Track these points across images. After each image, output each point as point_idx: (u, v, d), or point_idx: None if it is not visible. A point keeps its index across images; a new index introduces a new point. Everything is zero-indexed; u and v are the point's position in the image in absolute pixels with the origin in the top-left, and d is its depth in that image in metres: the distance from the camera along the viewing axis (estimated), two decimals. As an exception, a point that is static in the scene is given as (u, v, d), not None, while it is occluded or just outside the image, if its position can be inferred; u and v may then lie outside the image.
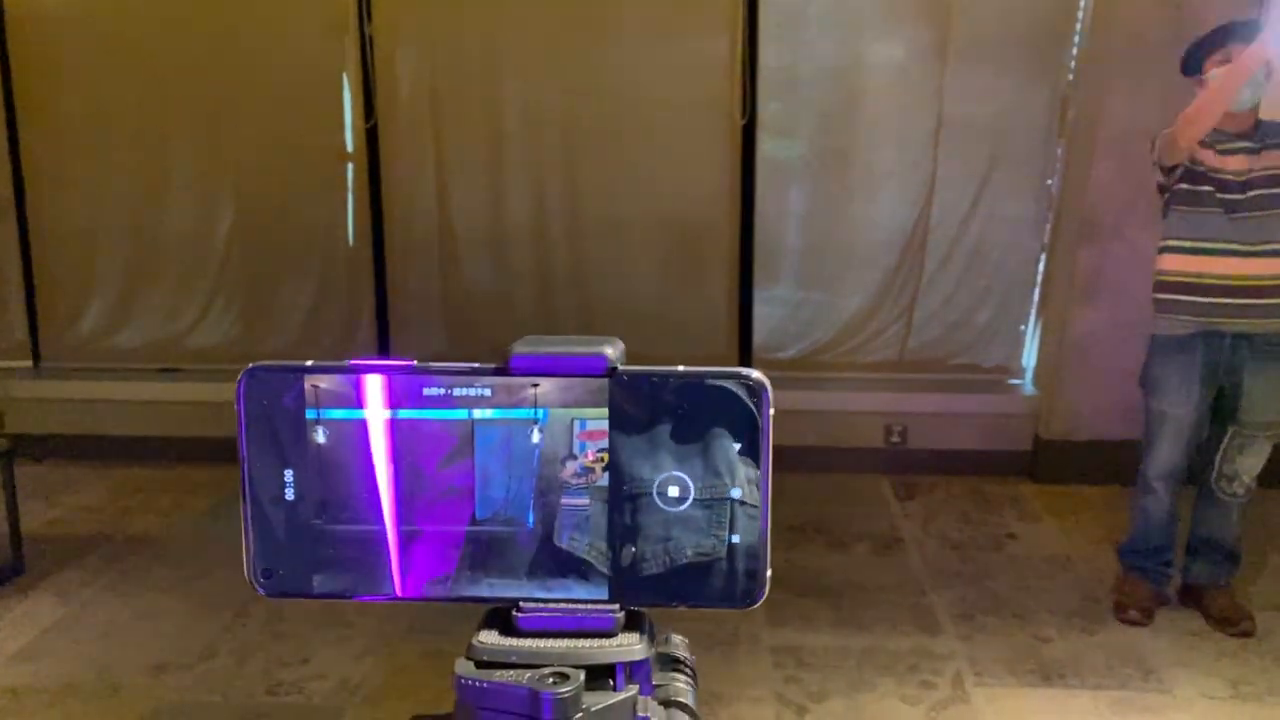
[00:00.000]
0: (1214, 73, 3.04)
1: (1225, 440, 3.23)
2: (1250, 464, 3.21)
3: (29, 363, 5.07)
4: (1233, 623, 3.22)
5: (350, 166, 4.83)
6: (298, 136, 4.80)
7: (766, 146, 4.64)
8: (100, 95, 4.79)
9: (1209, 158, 3.06)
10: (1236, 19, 3.12)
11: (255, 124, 4.78)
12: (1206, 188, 3.06)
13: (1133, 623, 3.27)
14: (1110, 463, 4.09)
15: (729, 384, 0.68)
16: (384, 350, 4.93)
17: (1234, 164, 3.05)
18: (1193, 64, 3.11)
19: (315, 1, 4.70)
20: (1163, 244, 3.19)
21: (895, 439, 4.63)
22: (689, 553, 0.69)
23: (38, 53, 4.80)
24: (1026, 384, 4.71)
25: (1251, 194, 3.03)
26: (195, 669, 3.05)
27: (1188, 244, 3.10)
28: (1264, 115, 3.12)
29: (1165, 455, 3.23)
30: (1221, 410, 3.22)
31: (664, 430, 0.69)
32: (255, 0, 4.75)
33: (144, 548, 3.89)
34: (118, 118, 4.81)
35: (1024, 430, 4.57)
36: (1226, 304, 3.07)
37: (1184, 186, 3.10)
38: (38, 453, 4.55)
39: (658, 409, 0.68)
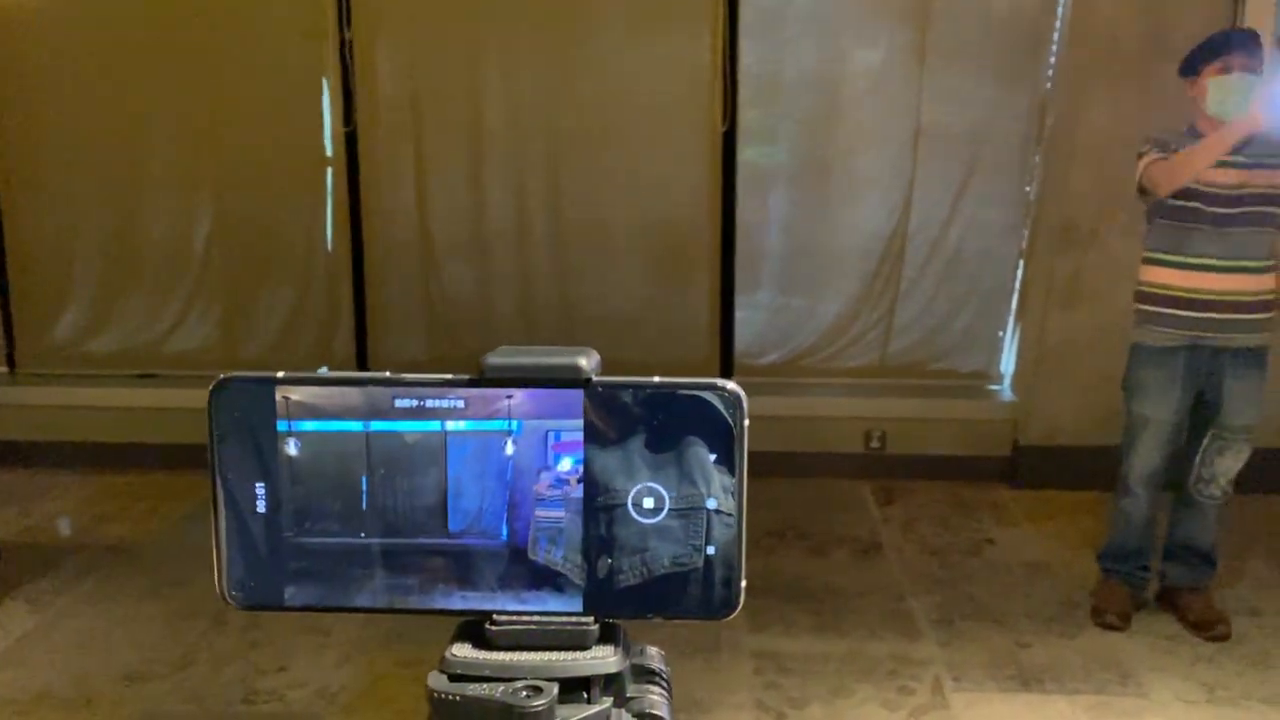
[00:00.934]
0: (1197, 142, 3.01)
1: (1204, 443, 3.24)
2: (1228, 467, 3.23)
3: (4, 368, 5.01)
4: (1209, 627, 3.23)
5: (329, 171, 4.80)
6: (276, 141, 4.77)
7: (747, 153, 4.65)
8: (77, 99, 4.75)
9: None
10: (1236, 28, 3.14)
11: (234, 128, 4.74)
12: (1194, 204, 3.06)
13: (1110, 627, 3.28)
14: (1088, 468, 4.11)
15: (704, 394, 0.68)
16: (362, 355, 4.91)
17: (1225, 177, 3.04)
18: (1190, 67, 3.11)
19: (294, 6, 4.68)
20: (1146, 255, 3.21)
21: (875, 444, 4.63)
22: (666, 563, 0.69)
23: (13, 56, 4.76)
24: (1005, 389, 4.73)
25: (1242, 210, 3.05)
26: (171, 678, 3.03)
27: (1173, 258, 3.12)
28: None
29: (1145, 459, 3.25)
30: (1201, 414, 3.24)
31: (639, 441, 0.68)
32: (234, 4, 4.72)
33: (120, 555, 3.85)
34: (94, 121, 4.76)
35: (1003, 435, 4.58)
36: (1213, 319, 3.09)
37: (1169, 201, 3.09)
38: (12, 459, 4.50)
39: (633, 420, 0.68)
